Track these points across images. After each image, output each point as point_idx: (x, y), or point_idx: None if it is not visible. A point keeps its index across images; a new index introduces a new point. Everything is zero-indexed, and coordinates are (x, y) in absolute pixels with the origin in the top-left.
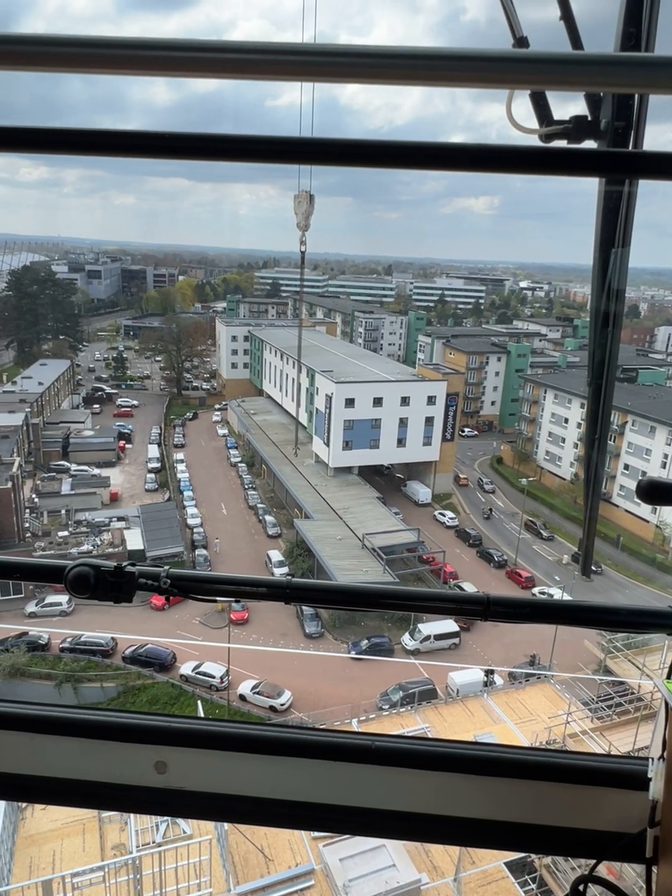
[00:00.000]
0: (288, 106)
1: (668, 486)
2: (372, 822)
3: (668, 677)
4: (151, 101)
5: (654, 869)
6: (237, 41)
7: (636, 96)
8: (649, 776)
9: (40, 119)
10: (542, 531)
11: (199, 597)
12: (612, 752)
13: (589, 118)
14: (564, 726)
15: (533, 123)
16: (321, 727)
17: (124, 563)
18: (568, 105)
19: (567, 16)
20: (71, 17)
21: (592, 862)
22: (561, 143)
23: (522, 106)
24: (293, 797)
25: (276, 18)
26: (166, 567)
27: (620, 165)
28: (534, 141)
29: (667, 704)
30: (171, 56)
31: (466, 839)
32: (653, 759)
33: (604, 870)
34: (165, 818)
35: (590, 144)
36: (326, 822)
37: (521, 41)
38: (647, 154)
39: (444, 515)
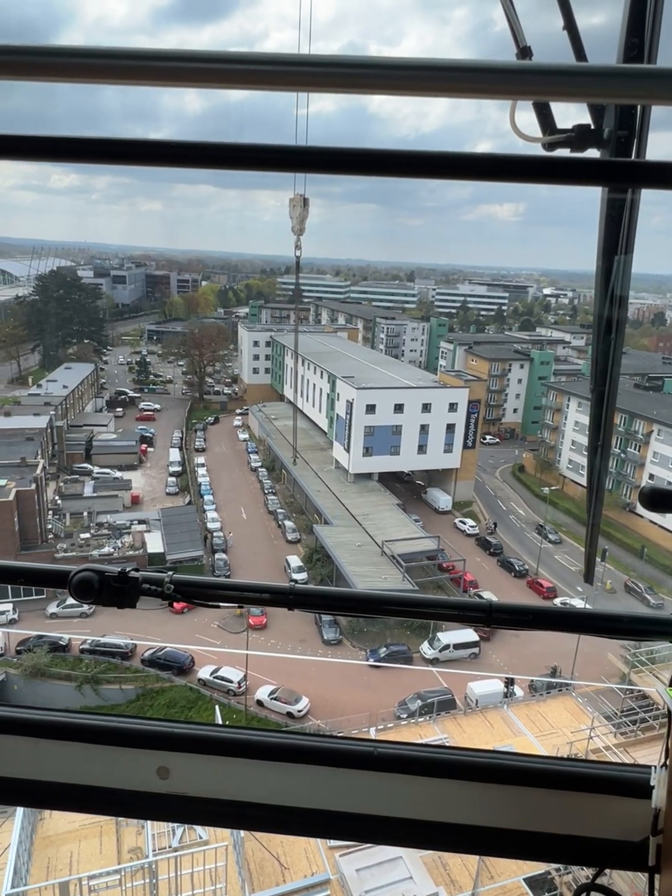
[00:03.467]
0: (316, 114)
1: (670, 494)
2: (373, 828)
3: (670, 685)
4: (183, 110)
5: (657, 877)
6: (242, 52)
7: (639, 106)
8: (652, 784)
9: (75, 127)
10: (644, 591)
11: (204, 602)
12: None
13: (592, 127)
14: (588, 741)
15: (536, 132)
16: (324, 733)
17: (128, 569)
18: (571, 114)
19: (570, 26)
20: (107, 29)
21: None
22: (564, 152)
23: (526, 114)
24: (295, 803)
25: (307, 29)
26: (170, 572)
27: (623, 175)
28: (537, 149)
29: (669, 712)
30: (176, 67)
31: (468, 846)
32: (655, 766)
33: (627, 888)
34: (181, 824)
35: (593, 153)
36: (328, 829)
37: (525, 51)
38: (649, 163)
39: (464, 523)
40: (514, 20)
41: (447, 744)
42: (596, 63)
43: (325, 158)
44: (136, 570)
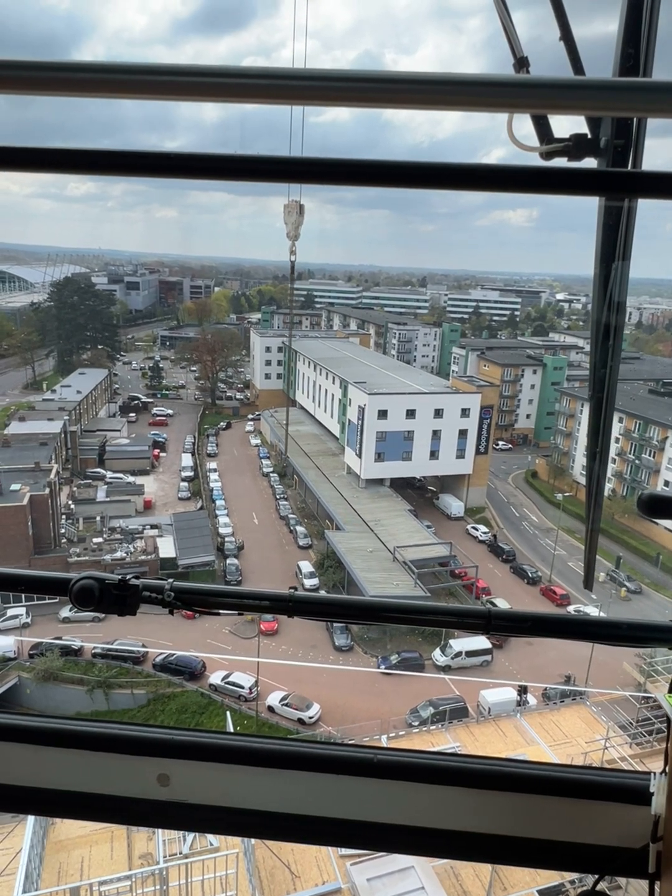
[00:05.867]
0: (331, 121)
1: (668, 500)
2: (374, 835)
3: (670, 691)
4: (200, 119)
5: (658, 884)
6: (239, 67)
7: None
8: (652, 790)
9: (94, 134)
10: None
11: (203, 610)
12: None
13: (589, 136)
14: (603, 751)
15: (533, 141)
16: (324, 740)
17: (128, 576)
18: (569, 122)
19: (567, 36)
20: (127, 40)
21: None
22: (561, 161)
23: (526, 121)
24: (296, 810)
25: (326, 39)
26: (170, 580)
27: (619, 185)
28: (535, 158)
29: (668, 719)
30: (180, 82)
31: (469, 853)
32: (655, 773)
33: None
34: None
35: (590, 162)
36: (329, 836)
37: (522, 62)
38: (645, 174)
39: (476, 529)
40: (511, 31)
41: (459, 752)
42: (592, 76)
43: (325, 169)
44: (137, 577)
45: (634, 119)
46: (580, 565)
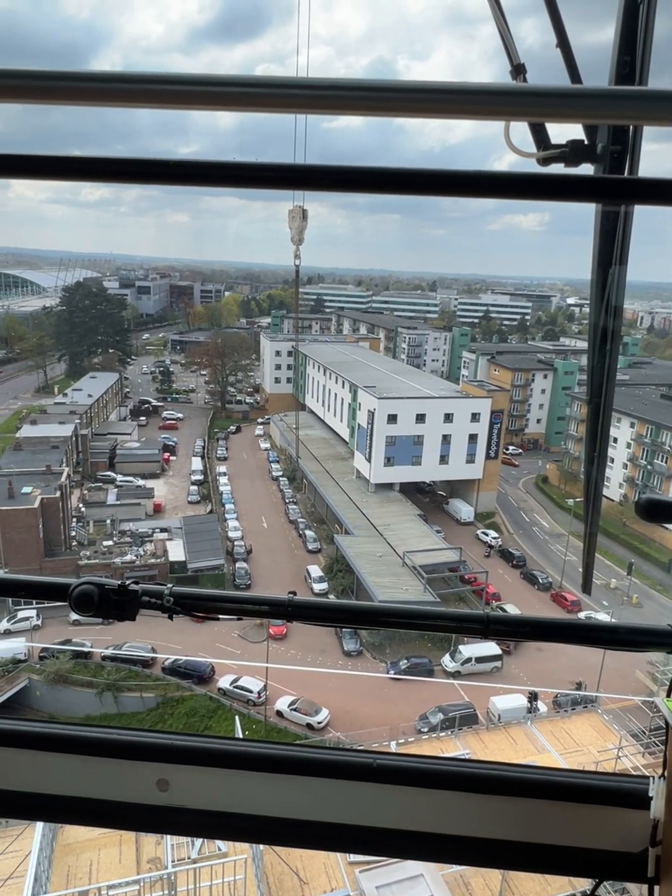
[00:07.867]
0: (344, 127)
1: (667, 504)
2: (373, 840)
3: (668, 695)
4: (214, 124)
5: (657, 888)
6: (243, 76)
7: None
8: (651, 795)
9: (109, 139)
10: None
11: (202, 615)
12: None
13: (586, 142)
14: (616, 760)
15: (532, 147)
16: (323, 745)
17: (128, 581)
18: (566, 128)
19: (563, 43)
20: (143, 49)
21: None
22: (559, 167)
23: (523, 128)
24: (295, 815)
25: (341, 45)
26: (170, 585)
27: (615, 191)
28: (532, 164)
29: (667, 723)
30: (183, 91)
31: (468, 858)
32: (654, 777)
33: None
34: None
35: (587, 168)
36: (327, 840)
37: (519, 68)
38: (641, 180)
39: (487, 535)
40: (509, 39)
41: (459, 757)
42: (588, 85)
43: (326, 176)
44: (136, 582)
45: (630, 126)
46: (596, 573)
